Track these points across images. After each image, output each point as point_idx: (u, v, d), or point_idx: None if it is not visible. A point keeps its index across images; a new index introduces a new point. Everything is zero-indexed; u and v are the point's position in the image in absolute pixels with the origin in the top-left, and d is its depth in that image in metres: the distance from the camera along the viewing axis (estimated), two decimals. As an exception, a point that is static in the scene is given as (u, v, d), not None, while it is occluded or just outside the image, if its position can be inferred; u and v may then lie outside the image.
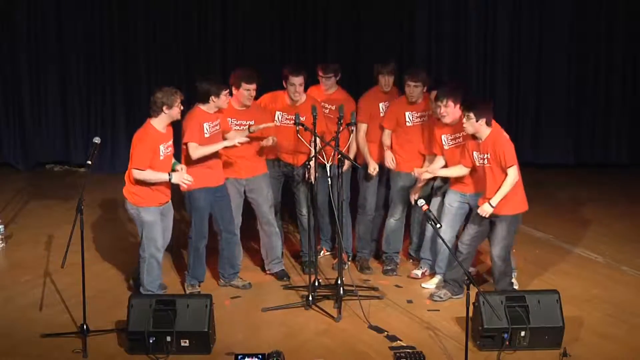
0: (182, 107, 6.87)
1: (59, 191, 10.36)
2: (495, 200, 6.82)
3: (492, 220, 6.94)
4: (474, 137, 6.94)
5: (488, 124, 6.85)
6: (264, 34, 11.31)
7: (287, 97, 7.75)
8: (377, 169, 7.82)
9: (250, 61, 10.77)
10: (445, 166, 7.34)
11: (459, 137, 7.26)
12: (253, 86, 7.44)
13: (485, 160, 6.88)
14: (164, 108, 6.77)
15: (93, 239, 8.56)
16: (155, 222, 6.89)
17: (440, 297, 7.22)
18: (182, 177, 6.83)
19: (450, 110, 7.15)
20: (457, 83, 7.27)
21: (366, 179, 7.90)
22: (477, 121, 6.80)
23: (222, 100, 7.20)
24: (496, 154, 6.81)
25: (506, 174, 6.82)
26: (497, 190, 6.81)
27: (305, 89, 7.79)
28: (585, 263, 8.18)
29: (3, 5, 11.33)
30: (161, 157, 6.81)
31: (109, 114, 11.60)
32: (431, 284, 7.51)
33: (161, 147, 6.81)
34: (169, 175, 6.81)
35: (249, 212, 7.73)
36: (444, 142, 7.35)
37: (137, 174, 6.73)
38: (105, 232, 8.92)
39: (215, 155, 7.24)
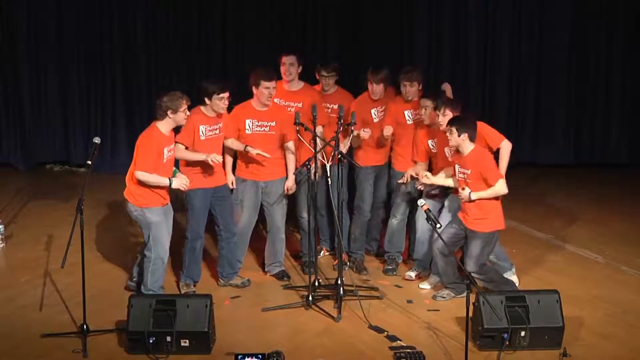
0: (188, 113, 6.82)
1: (59, 191, 10.35)
2: (475, 195, 6.81)
3: (468, 234, 6.95)
4: (457, 151, 6.96)
5: (471, 139, 6.85)
6: (264, 34, 11.30)
7: (284, 83, 7.73)
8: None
9: (250, 61, 10.76)
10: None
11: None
12: (273, 83, 7.27)
13: (465, 176, 6.91)
14: (169, 112, 6.73)
15: (93, 239, 8.55)
16: (161, 222, 6.88)
17: (444, 297, 7.21)
18: (182, 182, 6.85)
19: (447, 120, 7.11)
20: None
21: (363, 180, 7.90)
22: (459, 136, 6.81)
23: (215, 103, 7.07)
24: (477, 171, 6.83)
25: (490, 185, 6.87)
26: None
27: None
28: (585, 263, 8.18)
29: (3, 4, 11.32)
30: (165, 160, 6.82)
31: (109, 114, 11.60)
32: (427, 285, 7.50)
33: (165, 150, 6.81)
34: (170, 180, 6.80)
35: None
36: (431, 147, 7.44)
37: (142, 176, 6.72)
38: (105, 232, 8.92)
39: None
